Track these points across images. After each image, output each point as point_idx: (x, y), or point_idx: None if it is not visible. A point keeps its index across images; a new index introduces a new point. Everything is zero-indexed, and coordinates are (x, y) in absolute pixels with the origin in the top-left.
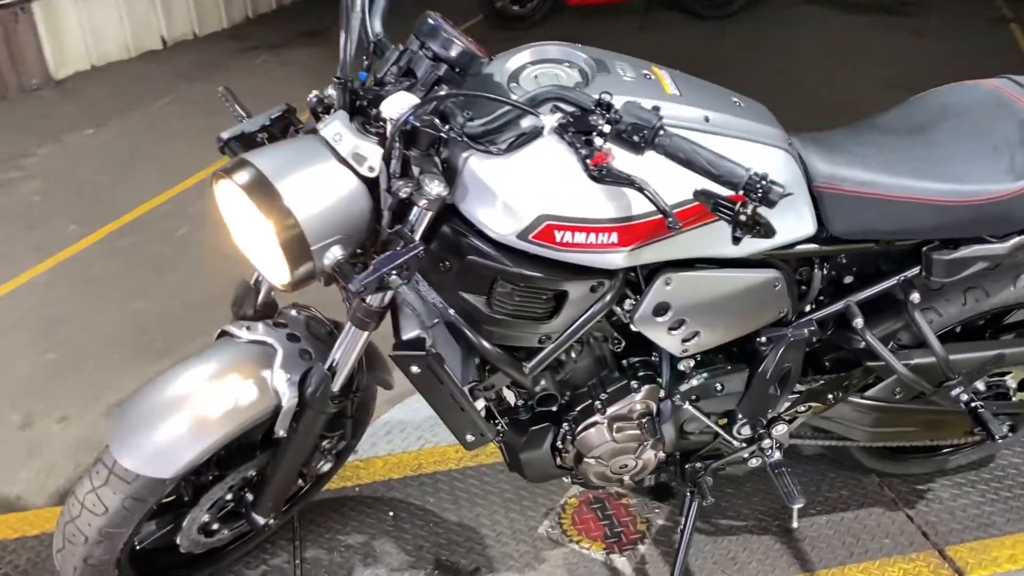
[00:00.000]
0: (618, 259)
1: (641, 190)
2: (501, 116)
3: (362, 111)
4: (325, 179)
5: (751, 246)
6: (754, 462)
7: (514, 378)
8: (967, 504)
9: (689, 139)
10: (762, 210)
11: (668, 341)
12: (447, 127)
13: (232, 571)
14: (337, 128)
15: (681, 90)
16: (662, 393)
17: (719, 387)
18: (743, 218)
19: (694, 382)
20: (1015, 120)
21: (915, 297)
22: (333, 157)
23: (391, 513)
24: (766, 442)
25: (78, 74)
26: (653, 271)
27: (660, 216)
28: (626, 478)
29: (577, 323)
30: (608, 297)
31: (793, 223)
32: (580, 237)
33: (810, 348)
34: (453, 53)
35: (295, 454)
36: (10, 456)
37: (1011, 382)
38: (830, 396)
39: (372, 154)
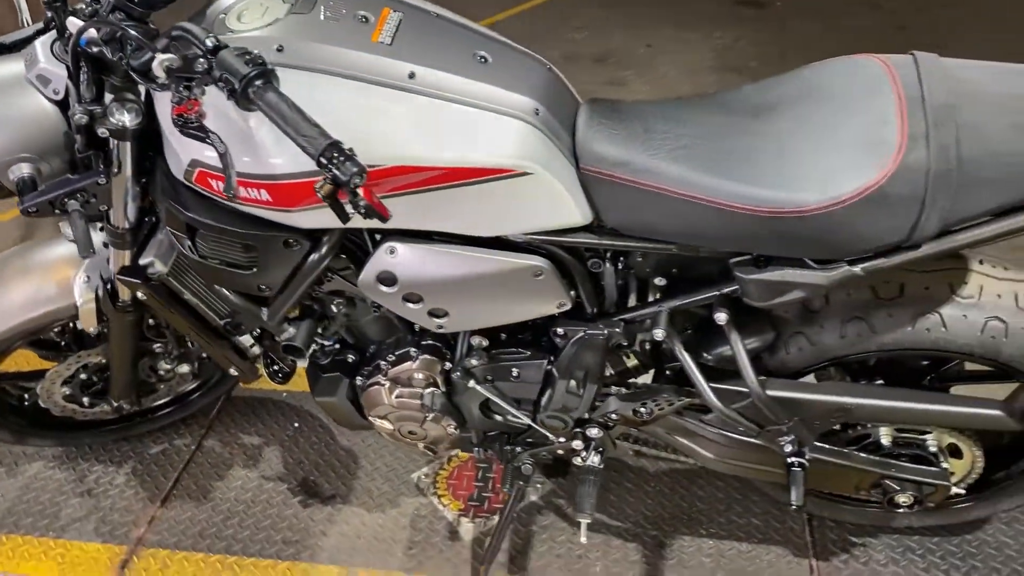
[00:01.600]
0: (289, 218)
1: (212, 145)
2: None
3: None
4: (6, 100)
5: (496, 227)
6: (578, 460)
7: (255, 322)
8: (899, 574)
9: (285, 97)
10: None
11: (410, 313)
12: (119, 56)
13: (141, 442)
14: (33, 48)
15: (397, 39)
16: (448, 366)
17: (515, 372)
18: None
19: (474, 361)
20: (872, 115)
21: (721, 316)
22: (24, 77)
23: (296, 425)
24: (576, 443)
25: None
26: (385, 236)
27: (315, 178)
28: (420, 445)
29: (296, 278)
30: (319, 255)
31: (548, 208)
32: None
33: (623, 349)
34: None
35: (117, 352)
36: None
37: (932, 445)
38: (643, 409)
39: (58, 77)
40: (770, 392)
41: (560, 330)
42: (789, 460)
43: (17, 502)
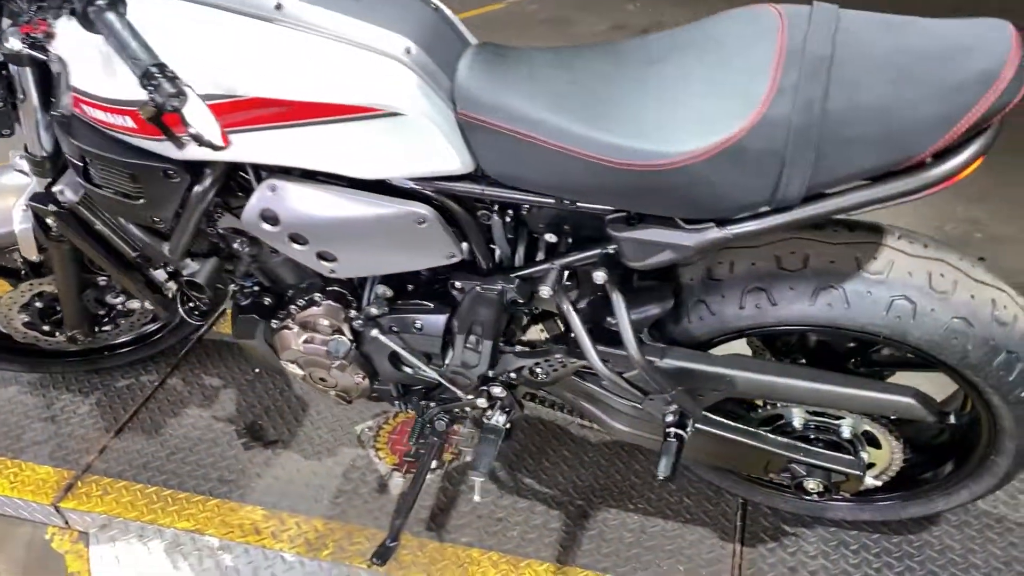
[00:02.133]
0: (160, 147)
1: (49, 63)
2: None
3: None
4: None
5: (373, 170)
6: (485, 419)
7: (161, 256)
8: (826, 567)
9: (125, 20)
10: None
11: (297, 255)
12: None
13: (111, 375)
14: None
15: None
16: (353, 314)
17: (418, 325)
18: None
19: (375, 310)
20: (749, 66)
21: (599, 275)
22: None
23: (257, 370)
24: (480, 400)
25: None
26: (270, 173)
27: None
28: (331, 393)
29: (184, 212)
30: (202, 188)
31: (424, 152)
32: (99, 114)
33: (520, 307)
34: None
35: (62, 281)
36: None
37: (845, 431)
38: (539, 369)
39: None
40: (650, 358)
41: (457, 283)
42: (667, 430)
43: None
